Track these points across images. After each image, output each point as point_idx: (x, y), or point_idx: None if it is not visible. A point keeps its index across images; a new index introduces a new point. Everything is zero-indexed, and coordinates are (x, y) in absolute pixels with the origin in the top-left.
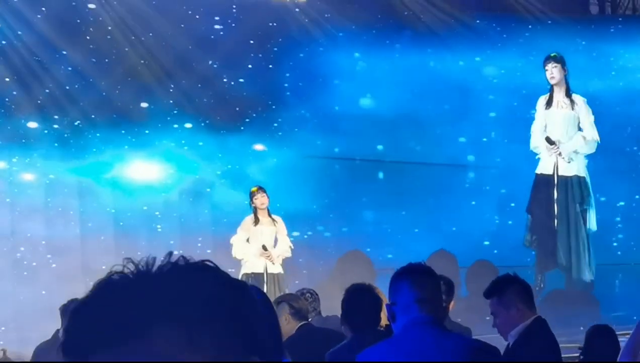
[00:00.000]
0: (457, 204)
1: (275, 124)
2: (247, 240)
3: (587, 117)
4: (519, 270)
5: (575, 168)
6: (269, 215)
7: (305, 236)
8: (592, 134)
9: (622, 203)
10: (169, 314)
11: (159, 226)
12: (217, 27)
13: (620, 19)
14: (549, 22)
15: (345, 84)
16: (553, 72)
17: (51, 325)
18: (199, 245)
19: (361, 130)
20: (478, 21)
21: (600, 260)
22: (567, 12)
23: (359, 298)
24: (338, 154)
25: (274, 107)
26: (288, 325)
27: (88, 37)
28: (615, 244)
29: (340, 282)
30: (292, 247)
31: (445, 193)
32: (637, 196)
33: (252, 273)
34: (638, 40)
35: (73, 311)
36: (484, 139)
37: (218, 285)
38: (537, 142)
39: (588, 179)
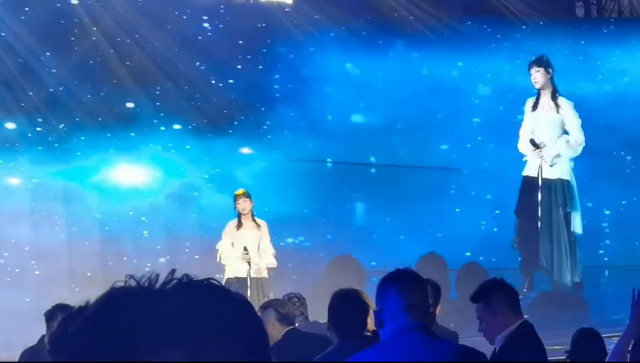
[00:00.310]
0: (446, 208)
1: (264, 127)
2: (232, 244)
3: (572, 121)
4: (507, 273)
5: (558, 171)
6: (253, 219)
7: (297, 241)
8: (576, 137)
9: (607, 212)
10: (171, 334)
11: (145, 232)
12: (204, 27)
13: (610, 21)
14: (535, 25)
15: (334, 87)
16: (536, 76)
17: (36, 330)
18: (187, 250)
19: (350, 134)
20: (469, 22)
21: (588, 263)
22: (553, 14)
23: (346, 304)
24: (327, 158)
25: (262, 109)
26: (275, 331)
27: (73, 39)
28: (601, 251)
29: (330, 287)
30: (275, 254)
31: (434, 197)
32: (623, 202)
33: (235, 277)
34: (625, 43)
35: (76, 327)
36: (468, 146)
37: (221, 305)
38: (523, 144)
39: (573, 183)
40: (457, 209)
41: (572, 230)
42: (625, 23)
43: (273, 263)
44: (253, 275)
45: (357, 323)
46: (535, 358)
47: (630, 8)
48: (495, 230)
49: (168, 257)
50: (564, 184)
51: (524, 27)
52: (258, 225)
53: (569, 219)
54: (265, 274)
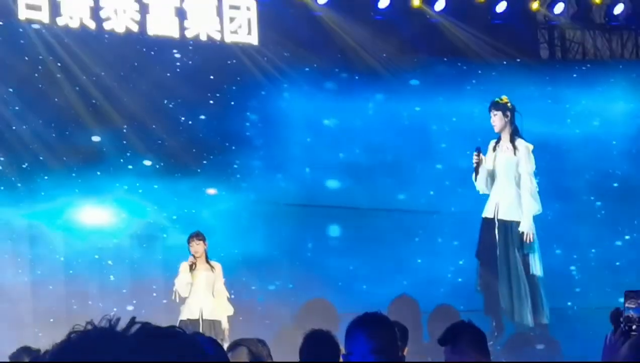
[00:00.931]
0: (419, 249)
1: (233, 167)
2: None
3: (525, 165)
4: (479, 314)
5: (515, 212)
6: (207, 261)
7: (271, 287)
8: (527, 182)
9: (575, 256)
10: None
11: (111, 276)
12: (173, 65)
13: (575, 63)
14: (501, 65)
15: (303, 127)
16: (494, 120)
17: None
18: (154, 294)
19: (318, 175)
20: (435, 63)
21: (557, 304)
22: (518, 56)
23: (317, 346)
24: (296, 200)
25: (232, 148)
26: None
27: (36, 75)
28: (574, 291)
29: (304, 329)
30: (229, 297)
31: (405, 238)
32: (593, 250)
33: (188, 319)
34: (593, 85)
35: None
36: (431, 193)
37: (182, 353)
38: (478, 184)
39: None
40: (420, 260)
41: (531, 272)
42: (593, 65)
43: (229, 309)
44: (206, 317)
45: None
46: None
47: (594, 50)
48: (460, 280)
49: (135, 301)
50: (519, 226)
51: (488, 68)
52: (212, 267)
53: (528, 261)
54: (219, 317)
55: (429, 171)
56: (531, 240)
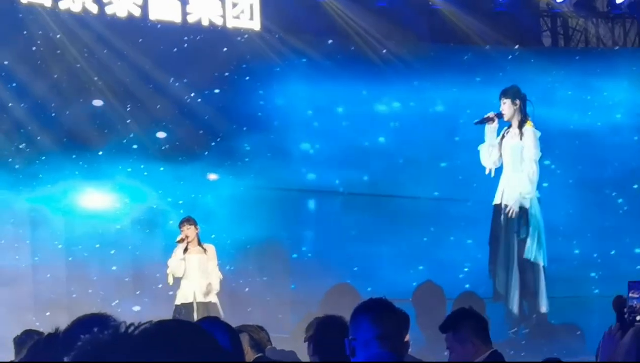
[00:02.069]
0: (442, 237)
1: (236, 153)
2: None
3: (529, 151)
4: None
5: (517, 196)
6: (199, 244)
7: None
8: (528, 168)
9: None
10: None
11: (113, 265)
12: (177, 48)
13: (577, 51)
14: (505, 52)
15: (306, 113)
16: (503, 108)
17: (3, 355)
18: (157, 275)
19: (322, 160)
20: (436, 50)
21: (578, 292)
22: (520, 43)
23: (330, 330)
24: (296, 186)
25: (233, 135)
26: (246, 356)
27: (42, 65)
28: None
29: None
30: (222, 278)
31: (430, 226)
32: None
33: (182, 304)
34: (593, 73)
35: None
36: (436, 194)
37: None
38: (482, 154)
39: (533, 211)
40: (452, 238)
41: (525, 257)
42: (595, 54)
43: (216, 287)
44: (199, 299)
45: (339, 349)
46: None
47: (597, 38)
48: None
49: (138, 293)
50: (521, 210)
51: (490, 55)
52: (204, 249)
53: (524, 247)
54: (212, 298)
55: (444, 160)
56: (513, 215)
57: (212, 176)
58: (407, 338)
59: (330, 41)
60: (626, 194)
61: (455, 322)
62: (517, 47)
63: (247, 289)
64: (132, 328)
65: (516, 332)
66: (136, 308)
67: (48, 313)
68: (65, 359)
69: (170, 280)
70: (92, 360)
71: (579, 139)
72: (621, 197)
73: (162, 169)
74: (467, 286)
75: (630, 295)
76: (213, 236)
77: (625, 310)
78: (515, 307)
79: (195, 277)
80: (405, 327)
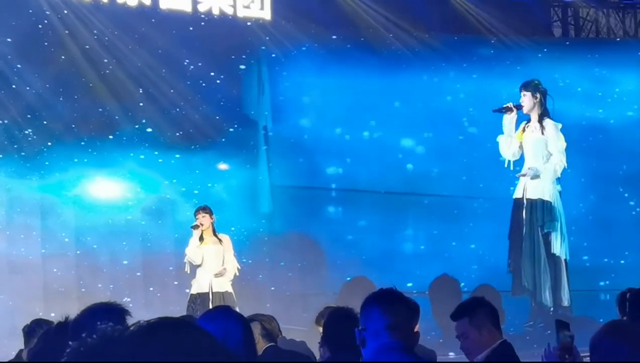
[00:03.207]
0: (456, 232)
1: (247, 143)
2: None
3: (554, 143)
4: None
5: (540, 191)
6: (215, 234)
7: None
8: (557, 159)
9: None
10: None
11: (123, 255)
12: (186, 40)
13: (585, 41)
14: (513, 43)
15: (317, 103)
16: (524, 100)
17: (13, 344)
18: (171, 267)
19: (332, 150)
20: (447, 39)
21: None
22: (531, 33)
23: (339, 322)
24: (305, 176)
25: (244, 125)
26: (257, 345)
27: (49, 47)
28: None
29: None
30: (239, 268)
31: (446, 222)
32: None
33: (198, 294)
34: (604, 64)
35: None
36: (464, 178)
37: (179, 346)
38: (501, 145)
39: (556, 205)
40: (454, 243)
41: (552, 252)
42: (606, 44)
43: (230, 276)
44: (215, 289)
45: (348, 339)
46: None
47: (607, 29)
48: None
49: (151, 288)
50: (544, 204)
51: (500, 44)
52: (220, 240)
53: (549, 241)
54: (228, 288)
55: (462, 153)
56: (537, 209)
57: (223, 166)
58: (417, 328)
59: (340, 32)
60: (636, 188)
61: (472, 308)
62: (528, 37)
63: (264, 281)
64: (121, 330)
65: (532, 325)
66: (145, 294)
67: (57, 303)
68: None
69: (188, 269)
70: None
71: (591, 133)
72: (631, 191)
73: (177, 156)
74: (479, 281)
75: (560, 334)
76: (233, 228)
77: (558, 348)
78: (547, 301)
79: (212, 267)
80: (416, 318)
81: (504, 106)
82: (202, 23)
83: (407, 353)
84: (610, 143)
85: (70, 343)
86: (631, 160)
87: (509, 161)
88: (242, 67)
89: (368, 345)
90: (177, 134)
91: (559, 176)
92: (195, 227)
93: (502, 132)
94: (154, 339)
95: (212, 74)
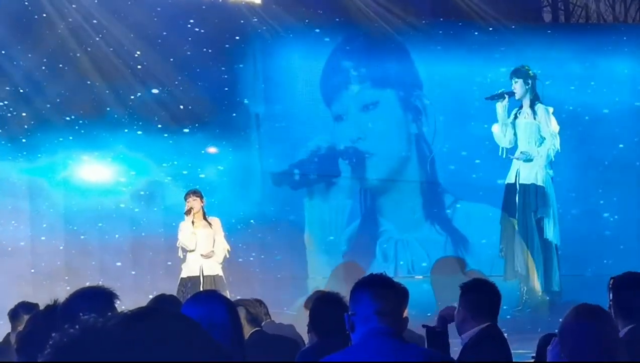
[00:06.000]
0: (452, 218)
1: (235, 126)
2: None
3: (546, 127)
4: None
5: (533, 176)
6: (205, 218)
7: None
8: (549, 144)
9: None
10: None
11: (112, 237)
12: (175, 25)
13: (578, 27)
14: (504, 28)
15: (304, 87)
16: (515, 87)
17: (0, 327)
18: (161, 259)
19: (318, 135)
20: (437, 25)
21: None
22: (521, 19)
23: (326, 307)
24: (293, 160)
25: (232, 108)
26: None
27: (36, 26)
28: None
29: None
30: (229, 250)
31: (435, 206)
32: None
33: (188, 277)
34: (594, 49)
35: None
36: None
37: (165, 333)
38: (498, 141)
39: (549, 191)
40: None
41: (545, 236)
42: (596, 29)
43: (219, 259)
44: (206, 272)
45: (335, 324)
46: (501, 359)
47: (597, 14)
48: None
49: (139, 271)
50: (537, 189)
51: (491, 29)
52: (210, 223)
53: (542, 226)
54: (219, 271)
55: (461, 137)
56: (529, 194)
57: (212, 149)
58: (405, 313)
59: (331, 17)
60: (628, 171)
61: (467, 289)
62: (518, 22)
63: (254, 265)
64: (103, 321)
65: (521, 309)
66: (134, 278)
67: (46, 286)
68: (39, 359)
69: (181, 254)
70: (64, 360)
71: (580, 117)
72: (623, 173)
73: (167, 138)
74: (470, 266)
75: (549, 348)
76: (222, 212)
77: None
78: (537, 285)
79: (202, 251)
80: (405, 303)
81: (497, 93)
82: (193, 5)
83: (395, 338)
84: (598, 128)
85: (58, 328)
86: (619, 144)
87: (504, 149)
88: (232, 49)
89: (357, 330)
90: (165, 117)
91: (553, 159)
92: (188, 212)
93: (495, 120)
94: (136, 330)
95: (203, 57)
